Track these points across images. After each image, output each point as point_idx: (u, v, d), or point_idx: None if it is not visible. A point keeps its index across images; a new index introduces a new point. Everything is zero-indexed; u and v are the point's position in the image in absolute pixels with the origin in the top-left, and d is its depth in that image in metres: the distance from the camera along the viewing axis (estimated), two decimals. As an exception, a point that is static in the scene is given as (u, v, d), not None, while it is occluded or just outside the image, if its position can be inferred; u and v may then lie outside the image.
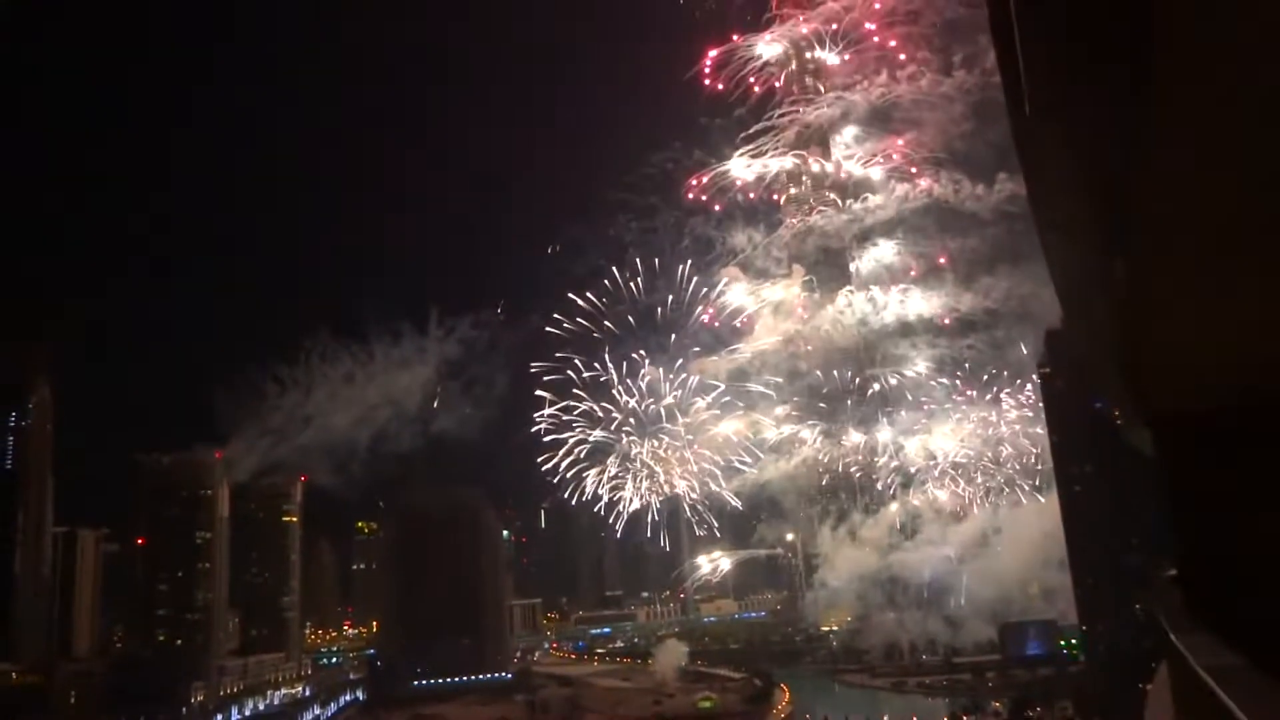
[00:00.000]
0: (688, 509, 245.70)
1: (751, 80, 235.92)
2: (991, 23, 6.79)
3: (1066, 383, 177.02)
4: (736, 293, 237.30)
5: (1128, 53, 5.34)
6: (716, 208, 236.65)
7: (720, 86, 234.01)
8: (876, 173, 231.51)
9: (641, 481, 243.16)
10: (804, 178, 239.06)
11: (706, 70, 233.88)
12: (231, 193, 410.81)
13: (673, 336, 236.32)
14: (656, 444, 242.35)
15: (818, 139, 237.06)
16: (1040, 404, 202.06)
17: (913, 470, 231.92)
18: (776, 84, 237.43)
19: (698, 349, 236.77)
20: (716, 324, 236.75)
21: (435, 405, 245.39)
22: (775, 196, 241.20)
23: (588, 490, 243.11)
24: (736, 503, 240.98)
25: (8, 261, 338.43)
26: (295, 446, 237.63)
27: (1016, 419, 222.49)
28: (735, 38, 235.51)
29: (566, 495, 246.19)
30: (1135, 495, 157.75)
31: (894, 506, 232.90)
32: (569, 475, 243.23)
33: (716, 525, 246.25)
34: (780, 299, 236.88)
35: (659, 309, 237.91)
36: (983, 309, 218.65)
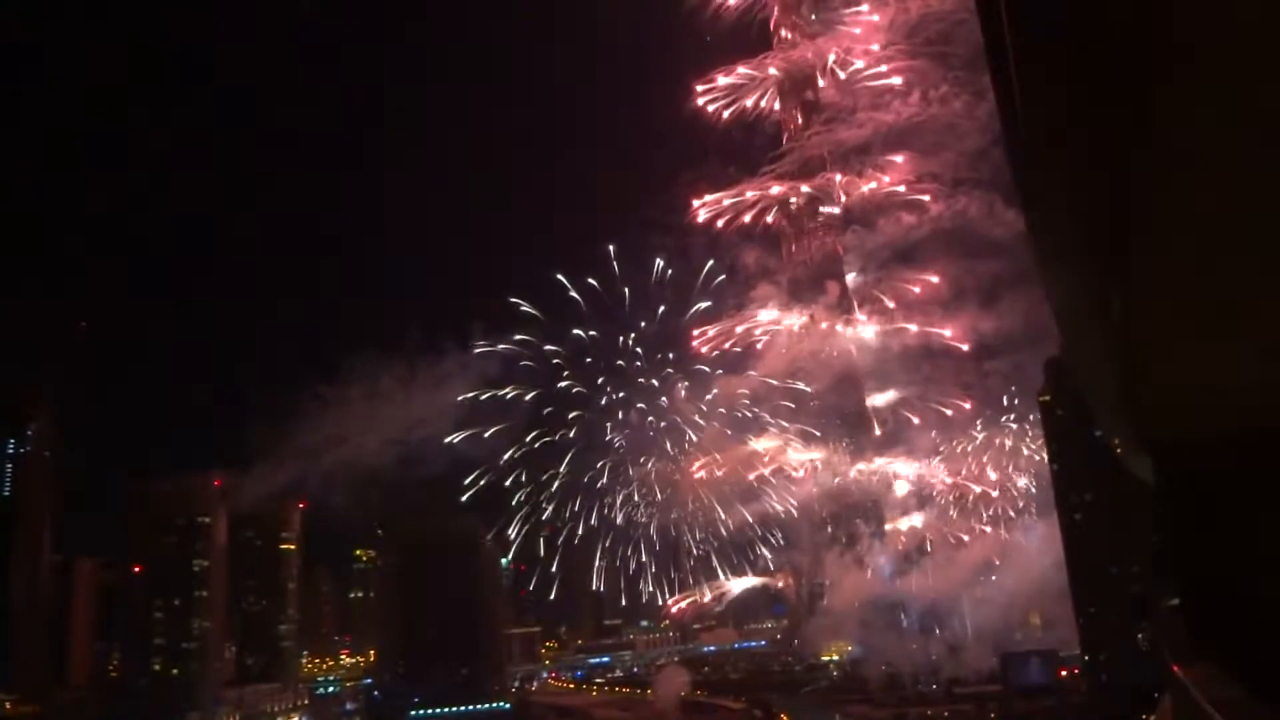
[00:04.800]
0: (690, 535, 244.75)
1: (762, 107, 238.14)
2: (986, 49, 6.74)
3: (1067, 410, 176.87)
4: (758, 315, 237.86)
5: (1127, 85, 5.33)
6: (719, 225, 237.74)
7: (725, 114, 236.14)
8: (899, 195, 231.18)
9: (648, 506, 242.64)
10: (825, 201, 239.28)
11: (714, 98, 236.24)
12: (247, 211, 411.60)
13: (709, 369, 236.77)
14: (666, 467, 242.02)
15: (837, 162, 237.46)
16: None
17: (923, 496, 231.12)
18: (786, 109, 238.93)
19: (718, 371, 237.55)
20: (736, 348, 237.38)
21: (457, 429, 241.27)
22: (786, 221, 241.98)
23: (592, 514, 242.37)
24: (742, 528, 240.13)
25: (9, 287, 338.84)
26: (307, 471, 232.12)
27: (1027, 444, 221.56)
28: (741, 66, 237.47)
29: (569, 521, 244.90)
30: (1137, 523, 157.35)
31: (900, 532, 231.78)
32: (573, 502, 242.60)
33: (720, 552, 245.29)
34: (799, 322, 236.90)
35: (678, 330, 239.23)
36: (1000, 332, 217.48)
